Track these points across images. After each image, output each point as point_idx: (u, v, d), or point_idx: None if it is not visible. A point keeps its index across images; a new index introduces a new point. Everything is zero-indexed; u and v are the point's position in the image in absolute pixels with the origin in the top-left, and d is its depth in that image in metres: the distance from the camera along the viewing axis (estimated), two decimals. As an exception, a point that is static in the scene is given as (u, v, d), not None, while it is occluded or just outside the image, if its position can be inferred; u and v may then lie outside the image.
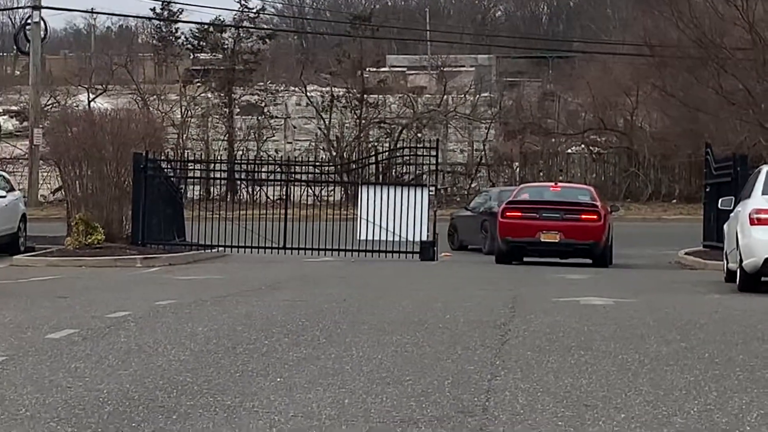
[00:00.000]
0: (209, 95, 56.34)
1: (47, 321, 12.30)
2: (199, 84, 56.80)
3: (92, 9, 72.68)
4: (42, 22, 50.29)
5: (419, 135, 52.77)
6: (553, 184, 32.71)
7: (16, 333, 11.31)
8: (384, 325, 12.15)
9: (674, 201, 51.55)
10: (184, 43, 60.85)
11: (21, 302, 14.68)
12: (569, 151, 55.70)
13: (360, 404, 7.92)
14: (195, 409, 7.70)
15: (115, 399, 8.01)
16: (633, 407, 7.90)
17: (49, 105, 53.78)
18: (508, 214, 25.39)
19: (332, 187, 40.47)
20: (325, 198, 39.63)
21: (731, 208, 19.87)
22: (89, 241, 26.16)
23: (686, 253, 27.62)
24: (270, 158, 46.89)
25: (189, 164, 34.81)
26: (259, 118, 55.99)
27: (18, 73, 68.04)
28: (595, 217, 25.27)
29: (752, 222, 17.46)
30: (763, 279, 17.60)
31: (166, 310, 13.59)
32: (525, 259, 26.02)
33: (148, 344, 10.55)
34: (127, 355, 9.94)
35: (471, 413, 7.67)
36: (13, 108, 60.11)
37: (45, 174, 49.49)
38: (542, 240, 24.93)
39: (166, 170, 30.25)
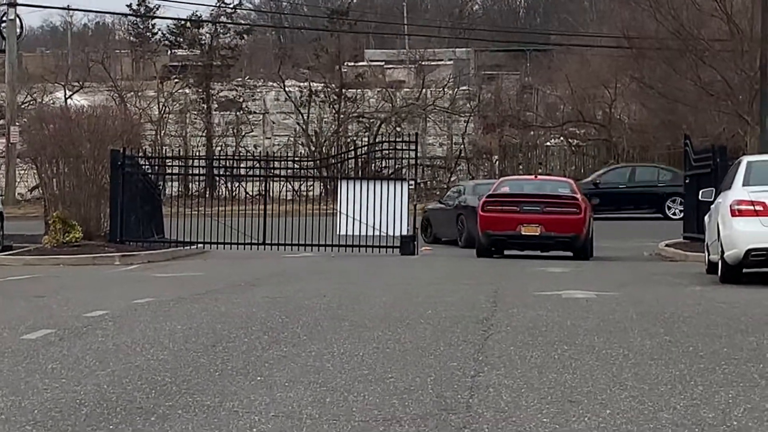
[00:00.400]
0: (187, 91, 56.11)
1: (23, 321, 12.14)
2: (176, 80, 56.56)
3: (68, 6, 72.25)
4: (18, 20, 49.97)
5: (398, 129, 52.70)
6: (532, 176, 32.66)
7: (-9, 334, 11.16)
8: (365, 321, 12.03)
9: (654, 192, 51.50)
10: (161, 39, 60.59)
11: (-3, 302, 14.53)
12: (548, 143, 55.68)
13: (342, 403, 7.81)
14: (174, 410, 7.58)
15: (92, 401, 7.88)
16: (618, 402, 7.80)
17: (26, 103, 53.46)
18: (488, 207, 25.35)
19: (311, 182, 40.28)
20: (305, 193, 39.45)
21: (712, 199, 19.81)
22: (67, 239, 25.98)
23: (666, 245, 27.58)
24: (249, 154, 46.70)
25: (167, 161, 34.62)
26: (238, 113, 55.78)
27: (-6, 70, 67.58)
28: (575, 209, 25.26)
29: (733, 213, 17.41)
30: (744, 270, 17.54)
31: (144, 309, 13.43)
32: (506, 252, 25.93)
33: (126, 344, 10.41)
34: (105, 355, 9.80)
35: (454, 411, 7.56)
36: (-10, 106, 59.68)
37: (22, 172, 49.16)
38: (523, 233, 24.91)
39: (144, 167, 30.07)
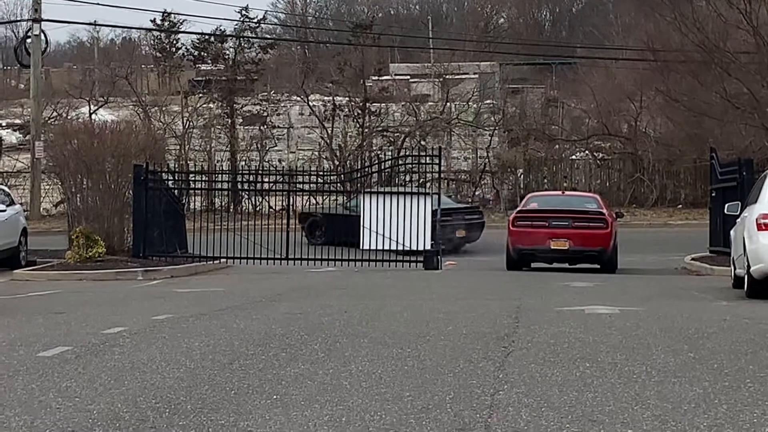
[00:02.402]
0: (211, 106, 56.14)
1: (40, 338, 12.05)
2: (201, 95, 56.60)
3: (95, 21, 72.50)
4: (42, 35, 50.07)
5: (422, 143, 52.56)
6: (559, 192, 33.14)
7: (7, 351, 11.06)
8: (385, 338, 11.89)
9: (680, 206, 51.28)
10: (185, 54, 60.66)
11: (16, 318, 14.44)
12: (573, 157, 55.44)
13: (358, 422, 7.67)
14: (187, 430, 7.47)
15: (106, 419, 7.77)
16: (640, 422, 7.64)
17: (52, 118, 53.60)
18: (518, 223, 26.23)
19: (335, 197, 40.20)
20: (329, 207, 39.33)
21: (738, 213, 19.62)
22: (90, 254, 25.97)
23: (692, 259, 27.40)
24: (273, 168, 46.67)
25: (191, 175, 34.61)
26: (262, 128, 55.78)
27: (22, 86, 67.95)
28: (602, 224, 26.15)
29: (759, 227, 17.22)
30: (771, 285, 17.32)
31: (163, 325, 13.33)
32: (533, 265, 26.76)
33: (142, 361, 10.30)
34: (120, 373, 9.69)
35: (472, 430, 7.42)
36: (17, 121, 60.00)
37: (47, 187, 49.31)
38: (552, 247, 25.89)
39: (167, 182, 30.06)
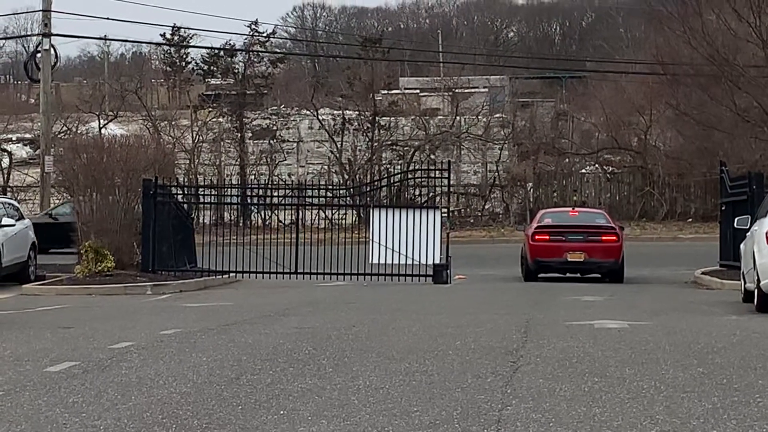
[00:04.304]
0: (221, 120, 56.20)
1: (48, 353, 12.04)
2: (210, 109, 56.67)
3: (105, 36, 72.61)
4: (52, 50, 50.08)
5: (432, 157, 52.55)
6: (569, 208, 34.36)
7: (14, 366, 11.05)
8: (393, 352, 11.86)
9: (690, 220, 51.18)
10: (195, 68, 60.74)
11: (24, 333, 14.42)
12: (583, 171, 55.39)
13: (365, 438, 7.65)
14: (193, 446, 7.44)
15: (112, 435, 7.75)
16: (649, 438, 7.60)
17: (62, 132, 53.68)
18: (537, 237, 27.86)
19: (345, 211, 40.16)
20: (338, 221, 39.37)
21: (748, 227, 19.57)
22: (99, 268, 25.96)
23: (703, 273, 27.33)
24: (282, 182, 46.67)
25: (200, 189, 34.62)
26: (271, 142, 55.81)
27: (32, 101, 68.12)
28: (614, 238, 27.91)
29: (769, 241, 17.15)
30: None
31: (170, 340, 13.30)
32: (544, 276, 28.02)
33: (149, 376, 10.27)
34: (127, 388, 9.66)
35: (480, 446, 7.38)
36: (27, 136, 60.12)
37: (57, 201, 49.27)
38: (569, 260, 27.70)
39: (176, 196, 30.08)
